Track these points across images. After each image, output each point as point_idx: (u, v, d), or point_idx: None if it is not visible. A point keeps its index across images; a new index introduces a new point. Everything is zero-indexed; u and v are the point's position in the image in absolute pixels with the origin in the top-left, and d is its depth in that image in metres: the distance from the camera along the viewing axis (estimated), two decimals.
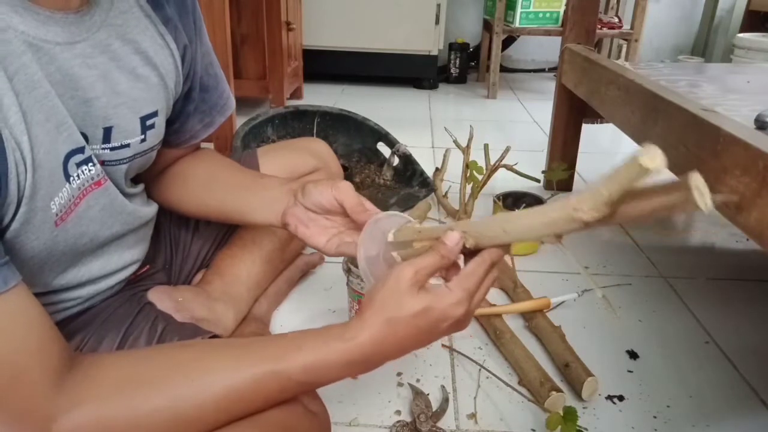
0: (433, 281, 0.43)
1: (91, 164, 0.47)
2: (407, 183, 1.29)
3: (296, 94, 2.13)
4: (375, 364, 0.43)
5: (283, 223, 0.58)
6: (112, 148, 0.51)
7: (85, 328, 0.56)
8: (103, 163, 0.50)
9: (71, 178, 0.45)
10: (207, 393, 0.41)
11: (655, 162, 0.28)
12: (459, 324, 0.43)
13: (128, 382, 0.41)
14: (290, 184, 0.60)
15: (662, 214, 0.31)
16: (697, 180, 0.29)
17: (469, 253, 0.43)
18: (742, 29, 2.46)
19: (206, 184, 0.66)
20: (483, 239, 0.41)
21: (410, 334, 0.42)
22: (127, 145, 0.52)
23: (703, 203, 0.29)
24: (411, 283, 0.41)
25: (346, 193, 0.53)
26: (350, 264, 0.76)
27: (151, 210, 0.62)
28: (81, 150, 0.46)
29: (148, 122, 0.54)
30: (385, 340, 0.41)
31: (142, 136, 0.54)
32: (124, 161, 0.53)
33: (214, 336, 0.58)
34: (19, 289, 0.38)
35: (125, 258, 0.59)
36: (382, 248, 0.49)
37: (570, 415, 0.61)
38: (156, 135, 0.57)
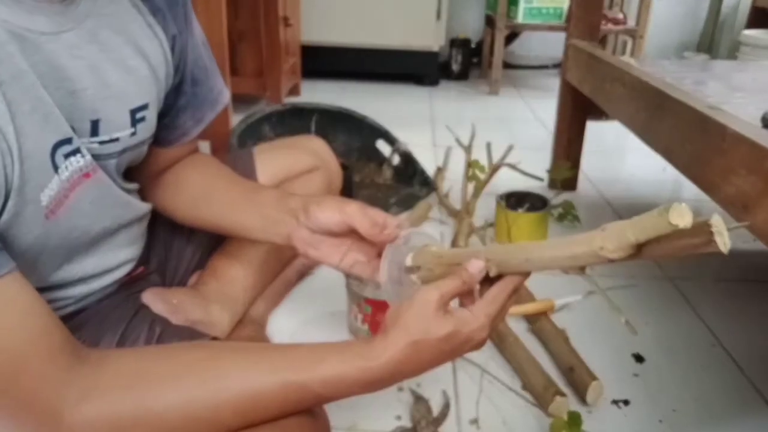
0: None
1: (79, 155, 0.47)
2: (408, 182, 1.28)
3: (294, 91, 2.12)
4: (394, 382, 0.43)
5: (290, 247, 0.58)
6: (101, 142, 0.50)
7: (80, 329, 0.55)
8: (92, 156, 0.50)
9: (59, 170, 0.44)
10: (223, 396, 0.40)
11: (684, 220, 0.30)
12: (478, 345, 0.44)
13: (140, 378, 0.40)
14: (288, 202, 0.58)
15: (683, 254, 0.32)
16: (718, 224, 0.30)
17: (487, 279, 0.44)
18: (748, 26, 2.44)
19: (201, 197, 0.65)
20: (505, 268, 0.42)
21: (433, 356, 0.42)
22: (117, 139, 0.52)
23: (723, 244, 0.30)
24: (437, 306, 0.42)
25: (355, 218, 0.53)
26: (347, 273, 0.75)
27: (144, 206, 0.61)
28: (68, 141, 0.45)
29: (138, 115, 0.53)
30: (408, 362, 0.42)
31: (133, 130, 0.53)
32: (114, 155, 0.53)
33: (214, 338, 0.57)
34: (13, 276, 0.37)
35: (119, 257, 0.59)
36: (403, 271, 0.50)
37: (574, 420, 0.61)
38: (147, 128, 0.56)
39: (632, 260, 0.34)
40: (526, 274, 0.43)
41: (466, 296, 0.45)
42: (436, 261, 0.47)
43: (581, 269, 0.38)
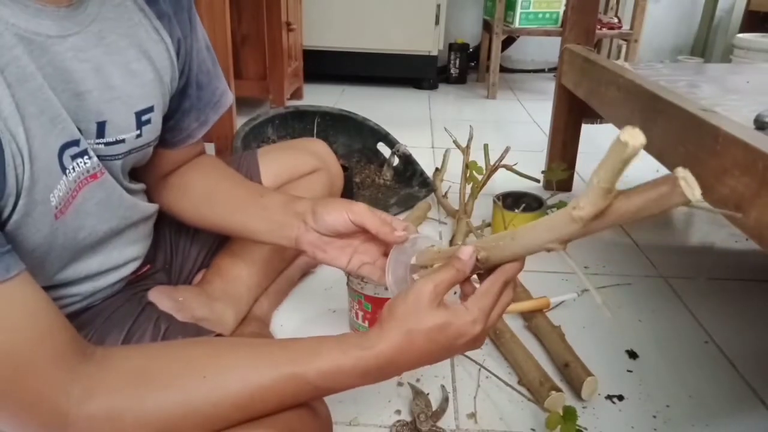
0: (449, 298, 0.44)
1: (86, 157, 0.47)
2: (407, 183, 1.30)
3: (296, 94, 2.13)
4: (389, 374, 0.44)
5: (298, 250, 0.59)
6: (107, 143, 0.51)
7: (87, 327, 0.56)
8: (98, 158, 0.50)
9: (67, 171, 0.45)
10: (222, 391, 0.41)
11: (637, 139, 0.29)
12: (475, 342, 0.44)
13: (143, 376, 0.41)
14: (294, 206, 0.59)
15: (655, 209, 0.31)
16: (683, 172, 0.30)
17: (486, 272, 0.44)
18: (742, 29, 2.46)
19: (206, 200, 0.65)
20: (494, 250, 0.43)
21: (427, 347, 0.42)
22: (122, 141, 0.52)
23: (691, 194, 0.29)
24: (431, 297, 0.42)
25: (364, 216, 0.53)
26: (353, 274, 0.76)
27: (150, 206, 0.62)
28: (76, 143, 0.46)
29: (144, 117, 0.54)
30: (402, 351, 0.42)
31: (138, 132, 0.54)
32: (119, 157, 0.53)
33: (218, 335, 0.58)
34: (22, 278, 0.38)
35: (125, 255, 0.59)
36: (408, 271, 0.51)
37: (569, 414, 0.61)
38: (152, 131, 0.56)
39: (606, 226, 0.34)
40: (518, 265, 0.43)
41: (465, 284, 0.45)
42: (436, 256, 0.48)
43: (563, 245, 0.37)
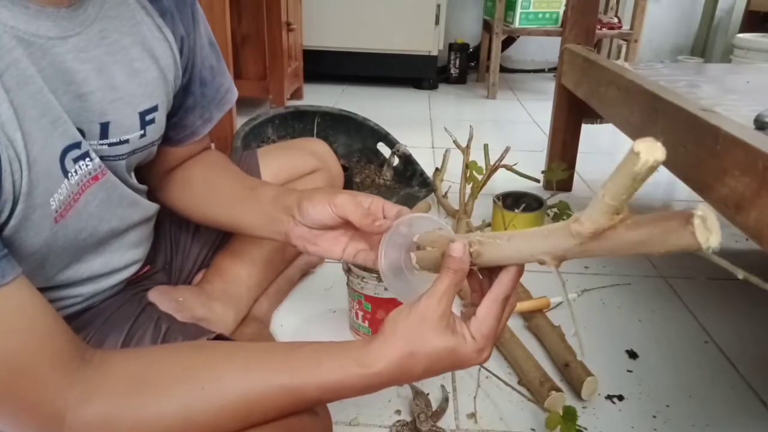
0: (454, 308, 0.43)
1: (88, 159, 0.47)
2: (407, 183, 1.30)
3: (296, 94, 2.13)
4: (390, 386, 0.43)
5: (291, 245, 0.57)
6: (110, 144, 0.51)
7: (87, 327, 0.56)
8: (101, 158, 0.50)
9: (69, 174, 0.45)
10: (220, 400, 0.40)
11: (653, 152, 0.24)
12: (482, 362, 0.43)
13: (141, 382, 0.40)
14: (283, 200, 0.57)
15: (660, 247, 0.27)
16: (705, 212, 0.25)
17: (481, 269, 0.43)
18: (742, 29, 2.46)
19: (207, 196, 0.65)
20: (487, 246, 0.41)
21: (429, 367, 0.41)
22: (126, 141, 0.52)
23: (704, 239, 0.25)
24: (438, 316, 0.40)
25: (346, 208, 0.51)
26: (350, 264, 0.76)
27: (151, 206, 0.62)
28: (77, 145, 0.45)
29: (148, 117, 0.54)
30: (404, 371, 0.41)
31: (142, 132, 0.53)
32: (123, 157, 0.53)
33: (219, 335, 0.58)
34: (19, 283, 0.38)
35: (126, 257, 0.59)
36: (402, 254, 0.48)
37: (569, 414, 0.61)
38: (156, 130, 0.56)
39: (606, 250, 0.30)
40: (515, 276, 0.41)
41: (471, 279, 0.44)
42: (436, 238, 0.45)
43: (557, 261, 0.34)
